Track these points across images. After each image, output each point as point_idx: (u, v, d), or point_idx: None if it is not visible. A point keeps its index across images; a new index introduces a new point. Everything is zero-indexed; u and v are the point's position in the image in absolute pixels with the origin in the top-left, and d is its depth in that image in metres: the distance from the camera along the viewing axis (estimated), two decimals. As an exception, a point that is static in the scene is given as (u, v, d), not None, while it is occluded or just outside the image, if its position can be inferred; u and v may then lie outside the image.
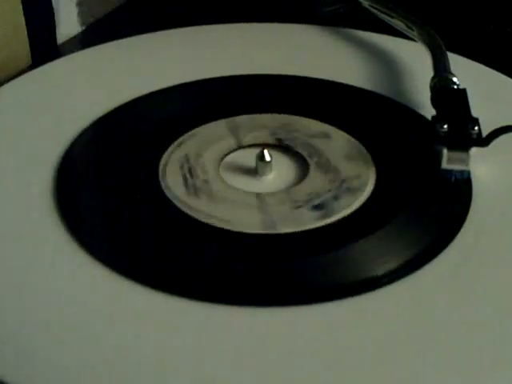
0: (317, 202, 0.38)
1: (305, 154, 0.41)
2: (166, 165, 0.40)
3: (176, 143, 0.41)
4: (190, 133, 0.42)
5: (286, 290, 0.33)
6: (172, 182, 0.39)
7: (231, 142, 0.42)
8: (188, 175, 0.39)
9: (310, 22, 0.53)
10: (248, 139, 0.42)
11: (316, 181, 0.39)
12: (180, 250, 0.35)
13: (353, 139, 0.42)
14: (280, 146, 0.41)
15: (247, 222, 0.36)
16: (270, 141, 0.42)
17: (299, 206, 0.37)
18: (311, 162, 0.40)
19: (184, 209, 0.37)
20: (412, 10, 0.50)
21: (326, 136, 0.42)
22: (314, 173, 0.39)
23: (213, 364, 0.30)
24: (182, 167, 0.40)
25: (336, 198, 0.38)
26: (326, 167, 0.40)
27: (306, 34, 0.52)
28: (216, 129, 0.42)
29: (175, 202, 0.37)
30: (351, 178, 0.39)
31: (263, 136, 0.42)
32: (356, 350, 0.31)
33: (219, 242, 0.36)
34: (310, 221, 0.36)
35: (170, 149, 0.41)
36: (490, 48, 0.53)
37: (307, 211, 0.37)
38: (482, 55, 0.49)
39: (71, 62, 0.49)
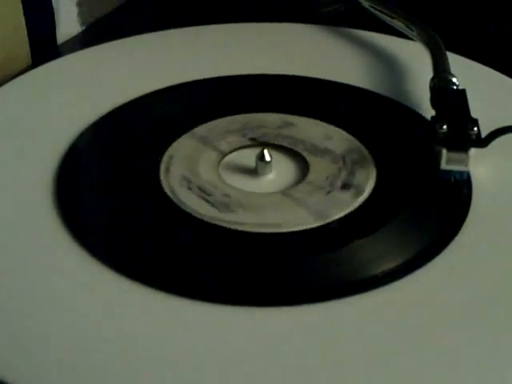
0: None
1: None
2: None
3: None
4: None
5: (286, 290, 0.33)
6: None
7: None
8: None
9: (310, 22, 0.53)
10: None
11: (323, 168, 0.39)
12: (179, 249, 0.35)
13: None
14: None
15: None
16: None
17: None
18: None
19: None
20: (412, 10, 0.50)
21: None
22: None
23: (213, 364, 0.30)
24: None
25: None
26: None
27: (306, 34, 0.52)
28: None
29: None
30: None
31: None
32: (356, 350, 0.31)
33: (218, 242, 0.36)
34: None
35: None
36: (489, 48, 0.53)
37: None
38: (482, 55, 0.49)
39: (71, 62, 0.49)
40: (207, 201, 0.37)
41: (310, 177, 0.39)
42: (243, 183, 0.39)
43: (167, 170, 0.40)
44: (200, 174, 0.39)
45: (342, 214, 0.37)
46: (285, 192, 0.38)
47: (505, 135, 0.38)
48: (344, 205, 0.37)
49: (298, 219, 0.36)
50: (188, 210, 0.37)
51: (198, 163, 0.40)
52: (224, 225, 0.36)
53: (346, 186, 0.38)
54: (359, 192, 0.38)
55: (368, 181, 0.39)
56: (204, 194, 0.38)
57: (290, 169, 0.40)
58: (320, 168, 0.40)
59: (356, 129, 0.42)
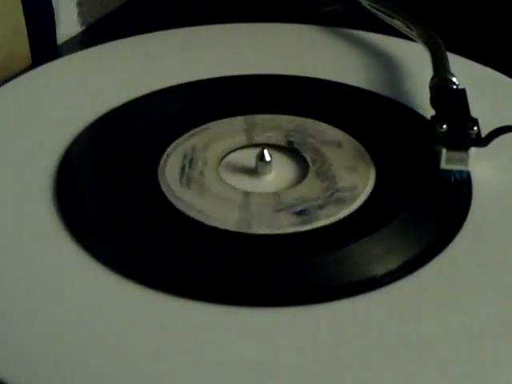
0: (339, 183, 0.38)
1: (305, 154, 0.41)
2: (166, 164, 0.40)
3: (174, 144, 0.41)
4: (189, 133, 0.42)
5: (286, 290, 0.33)
6: (172, 181, 0.39)
7: (230, 142, 0.42)
8: (189, 175, 0.39)
9: (310, 22, 0.53)
10: (250, 138, 0.42)
11: (322, 169, 0.39)
12: (179, 250, 0.35)
13: (352, 139, 0.42)
14: (280, 146, 0.41)
15: (246, 220, 0.36)
16: (271, 140, 0.42)
17: (328, 192, 0.38)
18: (311, 161, 0.40)
19: (183, 207, 0.37)
20: (412, 10, 0.50)
21: (326, 136, 0.42)
22: (316, 165, 0.40)
23: (212, 364, 0.30)
24: (182, 167, 0.40)
25: (352, 174, 0.39)
26: (325, 168, 0.40)
27: (306, 34, 0.52)
28: (216, 128, 0.42)
29: (174, 200, 0.37)
30: (348, 179, 0.39)
31: (264, 135, 0.42)
32: (356, 350, 0.31)
33: (218, 242, 0.36)
34: (348, 201, 0.37)
35: (169, 148, 0.41)
36: (489, 48, 0.53)
37: (287, 215, 0.37)
38: (482, 55, 0.49)
39: (71, 62, 0.49)
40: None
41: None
42: (243, 183, 0.39)
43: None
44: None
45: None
46: (284, 192, 0.38)
47: (505, 135, 0.38)
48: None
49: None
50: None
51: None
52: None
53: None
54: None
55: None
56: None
57: (290, 169, 0.40)
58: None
59: (356, 128, 0.42)
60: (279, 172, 0.40)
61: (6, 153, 0.41)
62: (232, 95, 0.46)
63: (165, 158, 0.40)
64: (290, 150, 0.41)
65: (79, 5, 0.56)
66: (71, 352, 0.30)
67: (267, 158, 0.39)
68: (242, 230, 0.36)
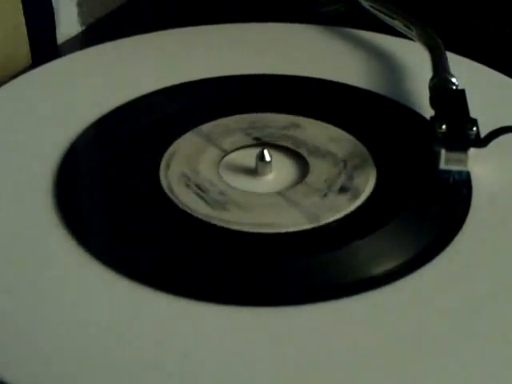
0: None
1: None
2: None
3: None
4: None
5: (286, 290, 0.33)
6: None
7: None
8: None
9: (310, 22, 0.53)
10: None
11: (323, 170, 0.39)
12: (179, 249, 0.35)
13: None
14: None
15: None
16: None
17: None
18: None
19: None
20: (412, 10, 0.50)
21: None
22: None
23: (213, 364, 0.30)
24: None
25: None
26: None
27: (306, 33, 0.52)
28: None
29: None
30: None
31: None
32: (355, 350, 0.31)
33: (218, 242, 0.36)
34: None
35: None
36: (490, 48, 0.53)
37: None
38: (482, 55, 0.49)
39: (71, 62, 0.49)
40: (204, 199, 0.37)
41: (309, 178, 0.39)
42: (242, 183, 0.39)
43: (167, 167, 0.40)
44: (200, 171, 0.39)
45: (341, 215, 0.37)
46: (281, 193, 0.38)
47: (504, 135, 0.38)
48: (341, 206, 0.37)
49: (292, 220, 0.36)
50: (185, 209, 0.37)
51: (199, 161, 0.40)
52: (220, 224, 0.36)
53: (344, 189, 0.38)
54: (357, 194, 0.38)
55: (368, 181, 0.39)
56: (201, 192, 0.38)
57: (290, 170, 0.40)
58: (320, 170, 0.40)
59: (356, 129, 0.42)
60: (279, 172, 0.40)
61: (5, 153, 0.41)
62: (232, 95, 0.46)
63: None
64: (289, 149, 0.41)
65: (79, 5, 0.56)
66: (71, 352, 0.30)
67: (267, 158, 0.39)
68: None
